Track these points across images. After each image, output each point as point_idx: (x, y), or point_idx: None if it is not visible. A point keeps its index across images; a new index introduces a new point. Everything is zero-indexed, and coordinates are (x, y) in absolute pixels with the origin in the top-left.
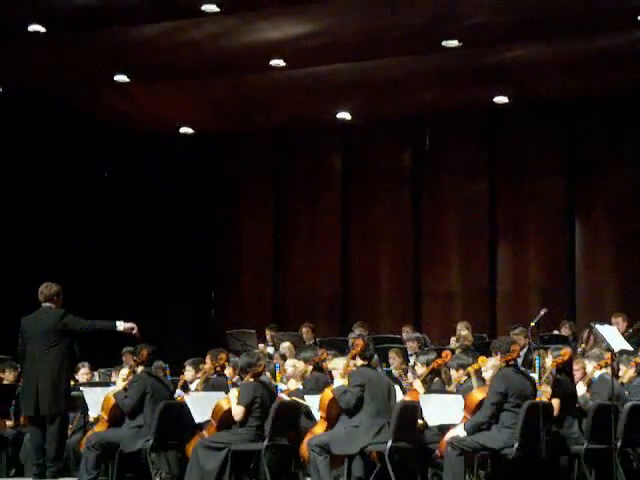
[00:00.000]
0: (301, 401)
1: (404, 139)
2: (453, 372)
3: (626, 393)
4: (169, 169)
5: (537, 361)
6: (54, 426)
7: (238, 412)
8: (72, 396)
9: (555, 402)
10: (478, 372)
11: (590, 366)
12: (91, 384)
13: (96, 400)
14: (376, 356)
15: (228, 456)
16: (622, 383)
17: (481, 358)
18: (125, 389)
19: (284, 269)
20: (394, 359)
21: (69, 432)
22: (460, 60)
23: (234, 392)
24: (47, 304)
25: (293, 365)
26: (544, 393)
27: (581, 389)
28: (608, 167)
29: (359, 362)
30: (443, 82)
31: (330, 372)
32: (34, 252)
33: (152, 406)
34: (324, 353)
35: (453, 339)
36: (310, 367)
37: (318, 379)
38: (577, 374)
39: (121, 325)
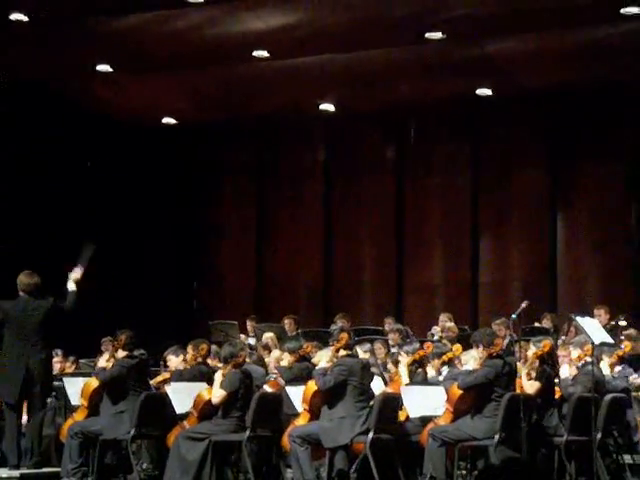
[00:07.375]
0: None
1: (387, 131)
2: (434, 360)
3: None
4: (152, 159)
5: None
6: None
7: (219, 395)
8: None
9: (535, 384)
10: (452, 360)
11: (575, 353)
12: (73, 374)
13: (77, 390)
14: (369, 345)
15: (209, 447)
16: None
17: (456, 346)
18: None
19: (267, 260)
20: (379, 349)
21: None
22: (443, 52)
23: (218, 375)
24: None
25: (276, 357)
26: (524, 385)
27: (564, 372)
28: (591, 161)
29: (342, 352)
30: (426, 74)
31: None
32: (16, 240)
33: (133, 389)
34: (309, 346)
35: (436, 328)
36: (293, 358)
37: (308, 367)
38: (562, 360)
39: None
